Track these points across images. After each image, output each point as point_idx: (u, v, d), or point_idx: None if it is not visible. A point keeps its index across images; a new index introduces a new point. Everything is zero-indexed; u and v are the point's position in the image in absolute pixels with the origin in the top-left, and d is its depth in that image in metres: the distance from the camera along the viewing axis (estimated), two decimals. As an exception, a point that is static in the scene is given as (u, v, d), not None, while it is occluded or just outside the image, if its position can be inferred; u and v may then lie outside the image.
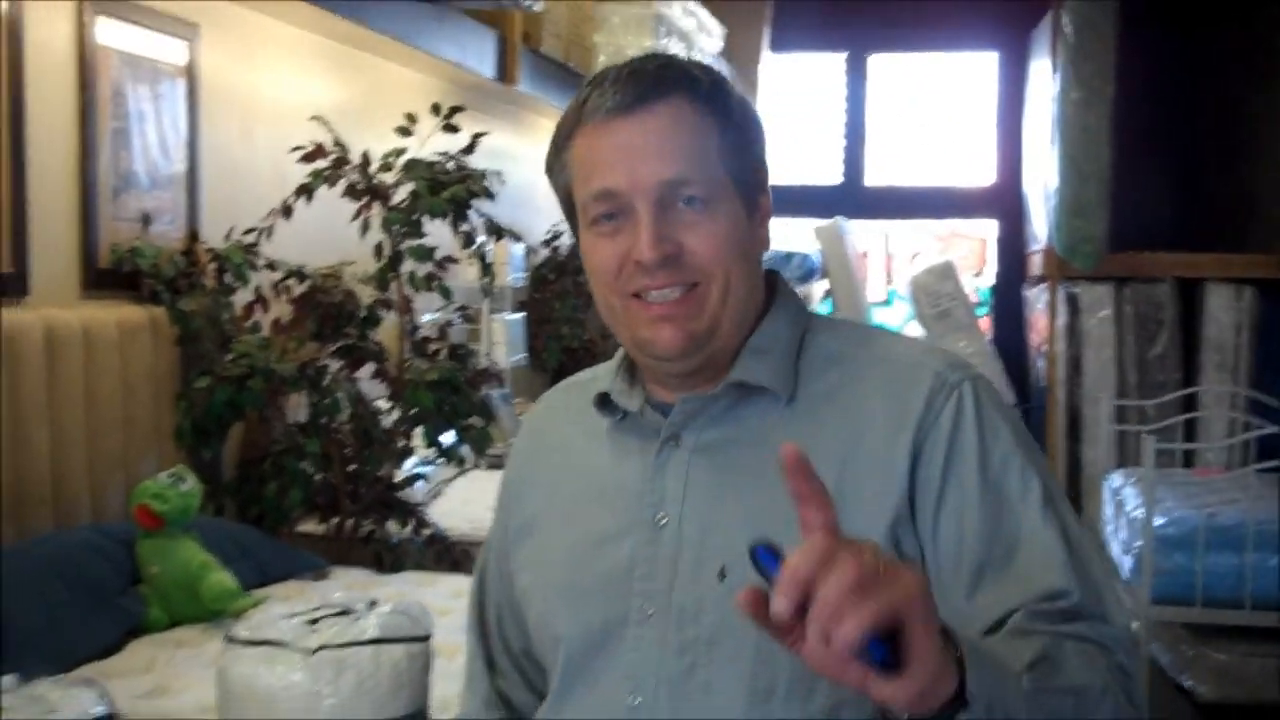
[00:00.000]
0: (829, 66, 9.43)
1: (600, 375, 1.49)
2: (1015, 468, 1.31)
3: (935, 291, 8.13)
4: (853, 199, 9.27)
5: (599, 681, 1.36)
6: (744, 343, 1.39)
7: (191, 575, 3.34)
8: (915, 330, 8.14)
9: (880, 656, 0.98)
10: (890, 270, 9.82)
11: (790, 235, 9.01)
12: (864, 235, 9.37)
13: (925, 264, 8.90)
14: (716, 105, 1.37)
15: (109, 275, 3.90)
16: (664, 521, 1.36)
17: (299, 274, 4.28)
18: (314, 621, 1.66)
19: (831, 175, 9.40)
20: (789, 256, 8.38)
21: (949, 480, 1.30)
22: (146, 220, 4.06)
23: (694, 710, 1.30)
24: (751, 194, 1.39)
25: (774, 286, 1.45)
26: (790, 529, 1.24)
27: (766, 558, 1.00)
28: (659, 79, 1.35)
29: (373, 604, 1.70)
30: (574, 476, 1.47)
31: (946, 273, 8.31)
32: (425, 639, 1.64)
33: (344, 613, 1.69)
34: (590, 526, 1.41)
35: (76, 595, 3.12)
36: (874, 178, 9.39)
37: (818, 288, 8.67)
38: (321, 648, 1.60)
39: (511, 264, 6.51)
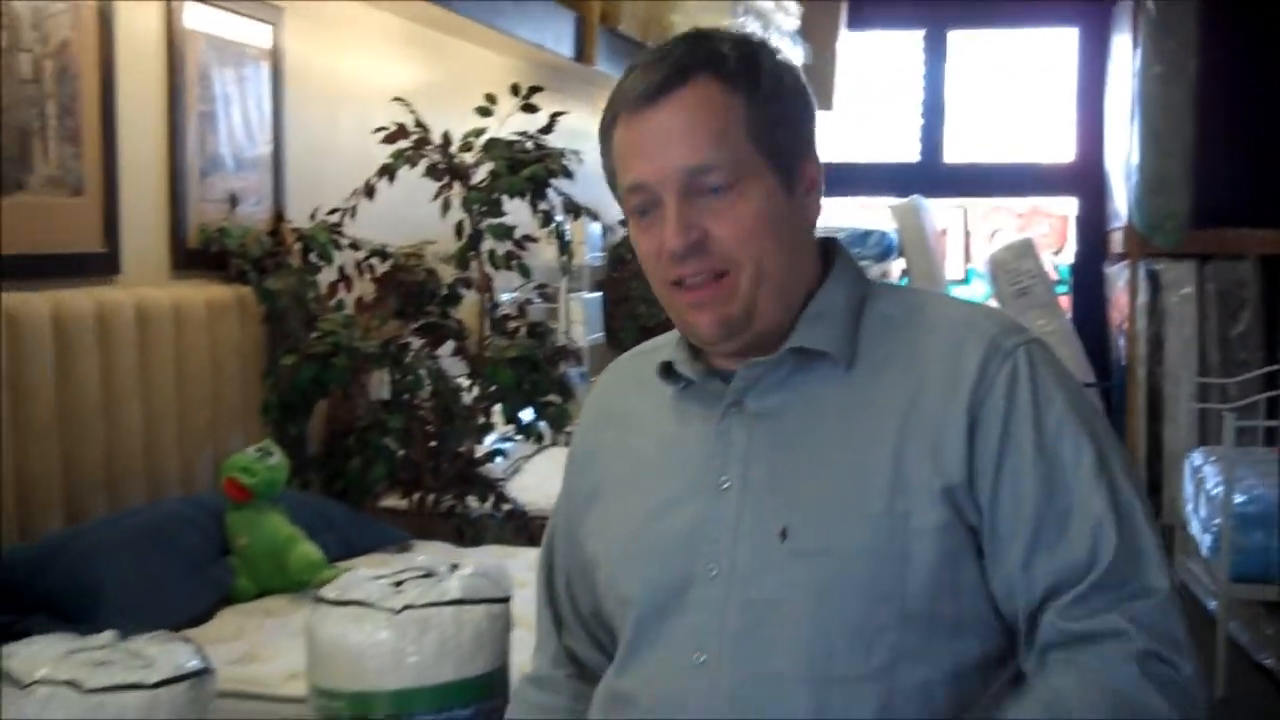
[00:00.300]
0: (907, 44, 9.39)
1: (663, 345, 1.53)
2: (1069, 435, 1.34)
3: (1014, 269, 8.09)
4: (931, 176, 9.23)
5: (666, 640, 1.39)
6: (799, 312, 1.41)
7: (279, 547, 3.42)
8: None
9: None
10: (969, 248, 9.77)
11: (868, 213, 9.00)
12: (943, 213, 9.34)
13: (1004, 241, 8.85)
14: (745, 81, 1.37)
15: (197, 255, 4.00)
16: (727, 485, 1.39)
17: (382, 253, 4.36)
18: (399, 584, 1.72)
19: (909, 153, 9.37)
20: (866, 234, 8.37)
21: (1006, 449, 1.33)
22: (233, 201, 4.15)
23: (756, 667, 1.34)
24: (788, 166, 1.40)
25: (831, 253, 1.47)
26: (846, 491, 1.32)
27: None
28: (682, 64, 1.36)
29: (454, 567, 1.76)
30: (639, 444, 1.50)
31: (1025, 250, 8.26)
32: (505, 601, 1.70)
33: (427, 575, 1.75)
34: (656, 492, 1.45)
35: (169, 564, 3.22)
36: (953, 155, 9.35)
37: (895, 266, 8.66)
38: (406, 608, 1.66)
39: (589, 243, 6.57)
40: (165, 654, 1.49)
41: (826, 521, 1.34)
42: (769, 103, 1.38)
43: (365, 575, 1.74)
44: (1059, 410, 1.35)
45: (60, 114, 3.42)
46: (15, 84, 3.27)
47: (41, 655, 1.47)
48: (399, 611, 1.65)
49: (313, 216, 4.34)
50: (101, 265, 3.62)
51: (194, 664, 1.48)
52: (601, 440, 1.56)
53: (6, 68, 3.23)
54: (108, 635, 1.52)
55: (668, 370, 1.47)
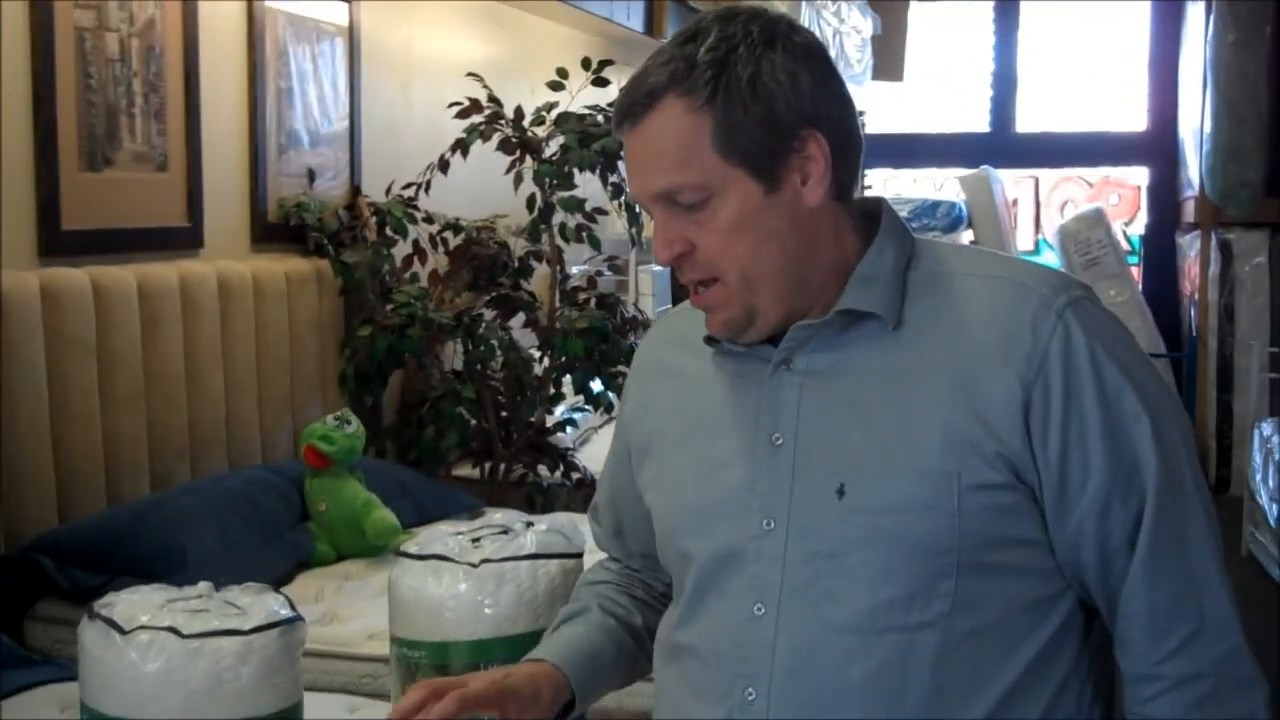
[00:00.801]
0: (977, 13, 9.35)
1: None
2: (1129, 393, 1.37)
3: (1085, 239, 8.06)
4: (1002, 147, 9.18)
5: (726, 593, 1.43)
6: (847, 274, 1.43)
7: (356, 512, 3.51)
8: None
9: None
10: (1039, 219, 9.72)
11: (938, 184, 8.98)
12: (1013, 184, 9.30)
13: (1075, 212, 8.81)
14: (714, 94, 1.37)
15: (276, 229, 4.10)
16: (779, 441, 1.43)
17: (455, 226, 4.44)
18: (477, 540, 1.79)
19: (980, 123, 9.33)
20: (935, 205, 8.37)
21: (1070, 415, 1.36)
22: (311, 176, 4.25)
23: (816, 616, 1.38)
24: (770, 165, 1.39)
25: (877, 215, 1.48)
26: (901, 449, 1.37)
27: None
28: (651, 87, 1.39)
29: (530, 524, 1.83)
30: (689, 401, 1.53)
31: (1096, 220, 8.22)
32: (579, 556, 1.77)
33: (504, 532, 1.82)
34: (709, 449, 1.48)
35: (251, 528, 3.32)
36: (1024, 125, 9.30)
37: (964, 237, 8.64)
38: (484, 561, 1.73)
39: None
40: (258, 603, 1.57)
41: (883, 479, 1.37)
42: (742, 108, 1.37)
43: (445, 531, 1.81)
44: (1117, 368, 1.38)
45: (146, 92, 3.52)
46: (103, 63, 3.37)
47: (142, 604, 1.55)
48: (477, 565, 1.72)
49: (388, 191, 4.43)
50: (185, 239, 3.73)
51: (285, 613, 1.56)
52: (652, 395, 1.60)
53: (95, 47, 3.33)
54: (203, 586, 1.60)
55: (713, 338, 1.50)
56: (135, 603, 1.55)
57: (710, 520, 1.46)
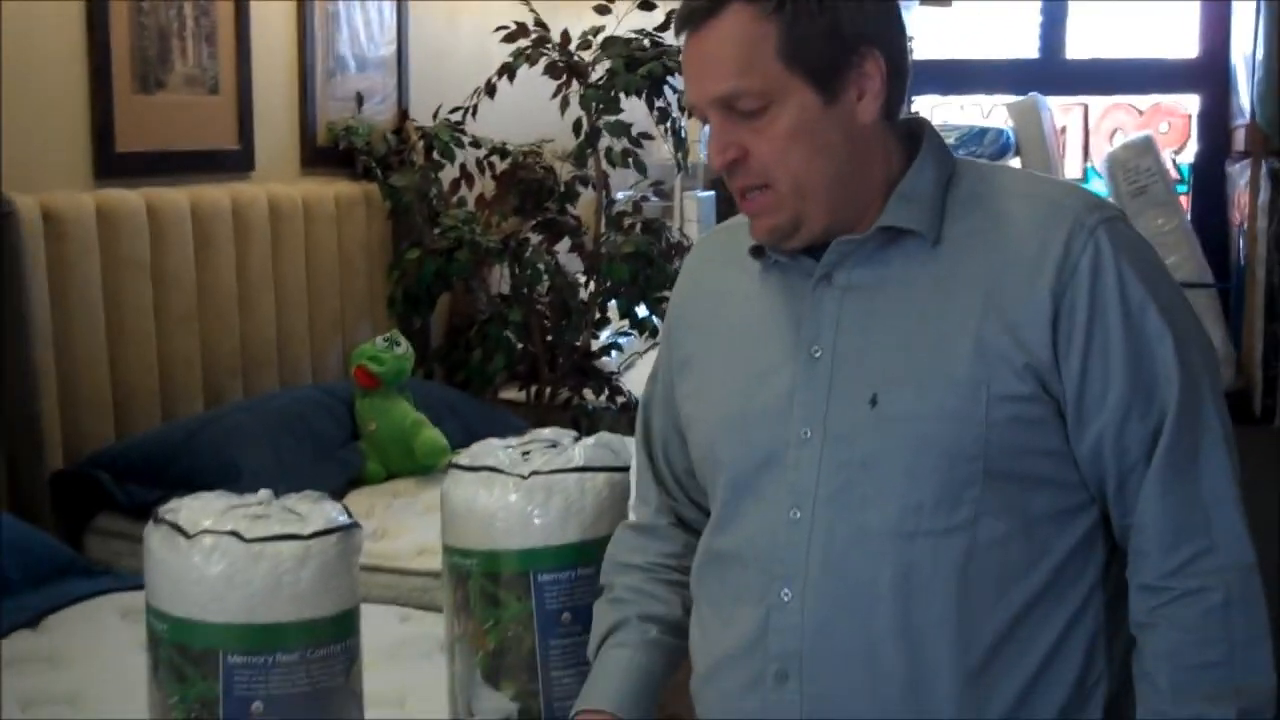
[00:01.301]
0: (1028, -63, 9.22)
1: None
2: (1153, 311, 1.41)
3: (1133, 167, 7.98)
4: (1050, 74, 9.08)
5: (763, 499, 1.48)
6: (889, 192, 1.47)
7: (405, 432, 3.58)
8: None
9: None
10: (1088, 147, 9.63)
11: (985, 111, 8.92)
12: (1061, 111, 9.21)
13: (1124, 139, 8.73)
14: (782, 1, 1.39)
15: (326, 153, 4.14)
16: (818, 353, 1.47)
17: (502, 151, 4.47)
18: (526, 453, 1.84)
19: (1028, 49, 9.23)
20: (983, 132, 8.30)
21: (1094, 327, 1.40)
22: (360, 100, 4.28)
23: (848, 520, 1.43)
24: (831, 77, 1.42)
25: (918, 135, 1.51)
26: (932, 359, 1.41)
27: None
28: None
29: (578, 438, 1.87)
30: (731, 314, 1.57)
31: (1145, 148, 8.13)
32: (625, 469, 1.81)
33: (553, 445, 1.86)
34: (750, 360, 1.53)
35: (303, 446, 3.39)
36: (1073, 51, 9.19)
37: (1012, 164, 8.58)
38: (534, 473, 1.77)
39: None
40: (316, 510, 1.61)
41: (913, 388, 1.41)
42: (809, 19, 1.40)
43: (496, 444, 1.85)
44: (1143, 286, 1.41)
45: (197, 15, 3.56)
46: (155, -15, 3.41)
47: (205, 509, 1.60)
48: (527, 477, 1.76)
49: (435, 115, 4.45)
50: (236, 161, 3.78)
51: (343, 519, 1.61)
52: (695, 310, 1.63)
53: (147, -30, 3.37)
54: (263, 493, 1.65)
55: (759, 249, 1.54)
56: (198, 509, 1.61)
57: (750, 428, 1.50)
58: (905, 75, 1.48)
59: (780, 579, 1.46)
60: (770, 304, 1.53)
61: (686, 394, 1.62)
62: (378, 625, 2.20)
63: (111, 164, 3.35)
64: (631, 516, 1.73)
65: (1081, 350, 1.40)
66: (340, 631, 1.60)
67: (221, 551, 1.54)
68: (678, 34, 1.47)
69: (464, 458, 1.84)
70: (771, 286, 1.54)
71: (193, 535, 1.56)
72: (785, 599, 1.45)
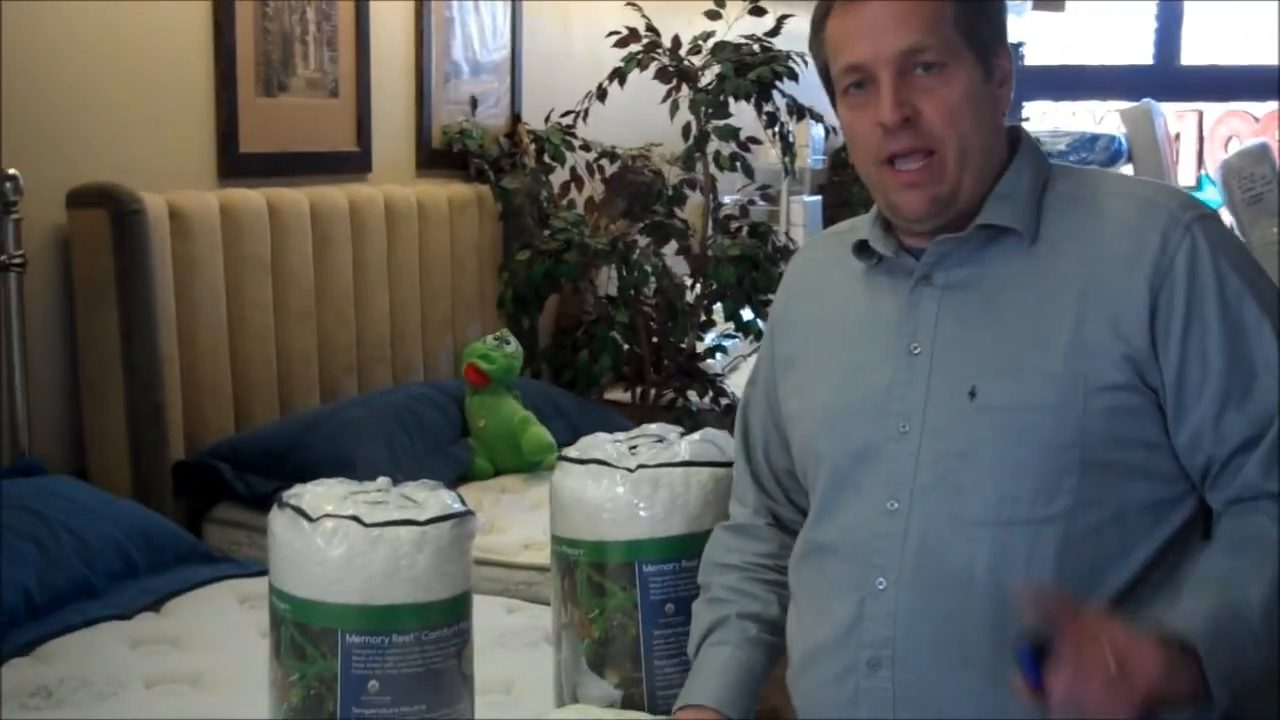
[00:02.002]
0: (1144, -58, 9.11)
1: (858, 225, 1.64)
2: (1250, 302, 1.44)
3: (1249, 175, 7.84)
4: (1165, 80, 8.96)
5: (861, 491, 1.53)
6: (988, 193, 1.52)
7: (514, 429, 3.64)
8: (1226, 217, 7.90)
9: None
10: (1202, 154, 9.49)
11: (1098, 118, 8.82)
12: (1175, 118, 9.08)
13: (1239, 147, 8.59)
14: None
15: (440, 155, 4.23)
16: (918, 350, 1.52)
17: (611, 154, 4.52)
18: (634, 447, 1.89)
19: (1143, 55, 9.12)
20: (1094, 139, 8.21)
21: (1191, 318, 1.43)
22: (473, 104, 4.37)
23: (945, 509, 1.47)
24: (988, 56, 1.51)
25: (1016, 140, 1.57)
26: (1027, 358, 1.45)
27: (1027, 661, 1.29)
28: None
29: (683, 433, 1.92)
30: (834, 314, 1.63)
31: (1261, 155, 7.99)
32: (729, 465, 1.84)
33: (659, 440, 1.91)
34: (851, 357, 1.58)
35: (415, 441, 3.47)
36: (1189, 57, 9.06)
37: (1125, 171, 8.49)
38: (640, 467, 1.82)
39: (812, 146, 6.62)
40: (433, 498, 1.68)
41: (1011, 380, 1.45)
42: None
43: (605, 438, 1.91)
44: (1239, 280, 1.44)
45: (319, 20, 3.66)
46: (279, -8, 3.51)
47: (327, 495, 1.67)
48: (634, 470, 1.81)
49: (547, 119, 4.53)
50: (354, 163, 3.88)
51: (458, 507, 1.67)
52: (798, 311, 1.70)
53: (271, -23, 3.47)
54: (382, 480, 1.71)
55: (862, 248, 1.59)
56: (321, 494, 1.68)
57: (849, 421, 1.55)
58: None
59: (876, 568, 1.49)
60: (871, 303, 1.59)
61: (788, 391, 1.67)
62: (485, 616, 2.25)
63: (235, 164, 3.46)
64: (731, 517, 1.78)
65: (1180, 341, 1.43)
66: (453, 614, 1.66)
67: (342, 535, 1.61)
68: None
69: (573, 451, 1.89)
70: (872, 286, 1.59)
71: (315, 519, 1.63)
72: (880, 587, 1.48)
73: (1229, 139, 9.38)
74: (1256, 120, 9.43)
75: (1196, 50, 9.04)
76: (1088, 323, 1.44)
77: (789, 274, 1.79)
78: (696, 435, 1.89)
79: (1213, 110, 9.46)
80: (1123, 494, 1.45)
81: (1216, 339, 1.43)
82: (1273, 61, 8.94)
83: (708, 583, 1.75)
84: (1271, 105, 9.31)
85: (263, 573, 2.00)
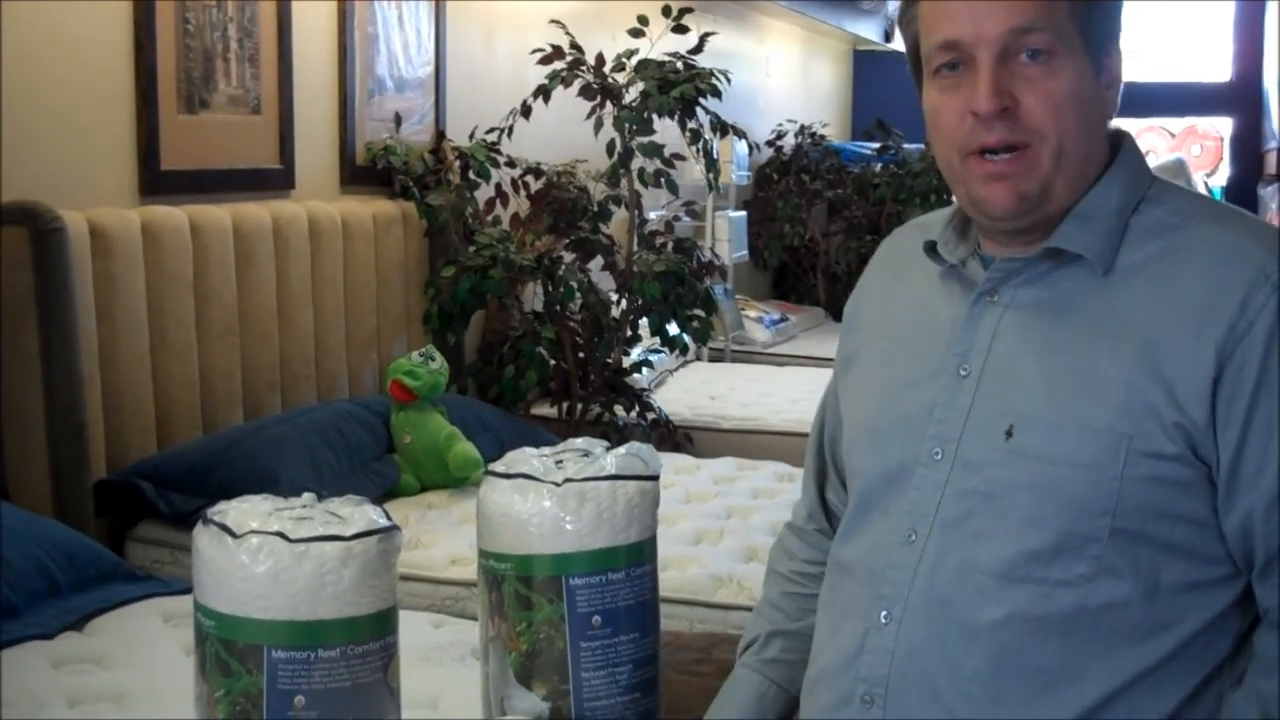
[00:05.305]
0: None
1: (937, 221, 1.52)
2: None
3: (1164, 191, 8.01)
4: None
5: (886, 514, 1.45)
6: (1078, 202, 1.38)
7: (440, 445, 3.64)
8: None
9: None
10: (1119, 170, 9.66)
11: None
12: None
13: (1156, 162, 8.76)
14: None
15: (364, 172, 4.23)
16: (965, 373, 1.41)
17: (536, 171, 4.54)
18: (560, 461, 1.89)
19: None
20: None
21: (1260, 395, 1.28)
22: (398, 120, 4.37)
23: (961, 553, 1.37)
24: (1100, 53, 1.37)
25: (1117, 149, 1.43)
26: (1075, 400, 1.33)
27: None
28: None
29: (609, 448, 1.93)
30: (897, 316, 1.53)
31: (1177, 171, 8.16)
32: (654, 478, 1.86)
33: (585, 454, 1.92)
34: (902, 368, 1.48)
35: (340, 458, 3.46)
36: (1105, 75, 9.23)
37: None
38: (567, 481, 1.83)
39: (736, 162, 6.67)
40: (358, 513, 1.68)
41: (1050, 427, 1.33)
42: None
43: (531, 453, 1.91)
44: None
45: (241, 37, 3.65)
46: (200, 8, 3.50)
47: (251, 511, 1.67)
48: (560, 484, 1.82)
49: (472, 136, 4.54)
50: (277, 180, 3.87)
51: (383, 522, 1.67)
52: (871, 306, 1.60)
53: (193, -6, 3.46)
54: (307, 496, 1.71)
55: (931, 249, 1.48)
56: (245, 511, 1.67)
57: (886, 439, 1.47)
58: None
59: (884, 599, 1.42)
60: (934, 312, 1.48)
61: (844, 392, 1.61)
62: (412, 631, 2.26)
63: (156, 182, 3.43)
64: (792, 513, 1.79)
65: (1243, 417, 1.29)
66: (379, 629, 1.66)
67: (267, 551, 1.60)
68: None
69: (500, 466, 1.90)
70: (941, 291, 1.48)
71: (240, 535, 1.62)
72: (884, 621, 1.42)
73: (1147, 154, 9.53)
74: (1173, 136, 9.63)
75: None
76: (1143, 378, 1.30)
77: (870, 264, 1.66)
78: (622, 449, 1.89)
79: (1130, 126, 9.61)
80: (1158, 570, 1.32)
81: None
82: (1189, 79, 9.13)
83: (766, 587, 1.75)
84: (1188, 121, 9.51)
85: (186, 591, 1.99)
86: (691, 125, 4.42)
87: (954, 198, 1.48)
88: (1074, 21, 1.34)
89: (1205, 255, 1.33)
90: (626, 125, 4.35)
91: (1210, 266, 1.32)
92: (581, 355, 4.56)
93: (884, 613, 1.42)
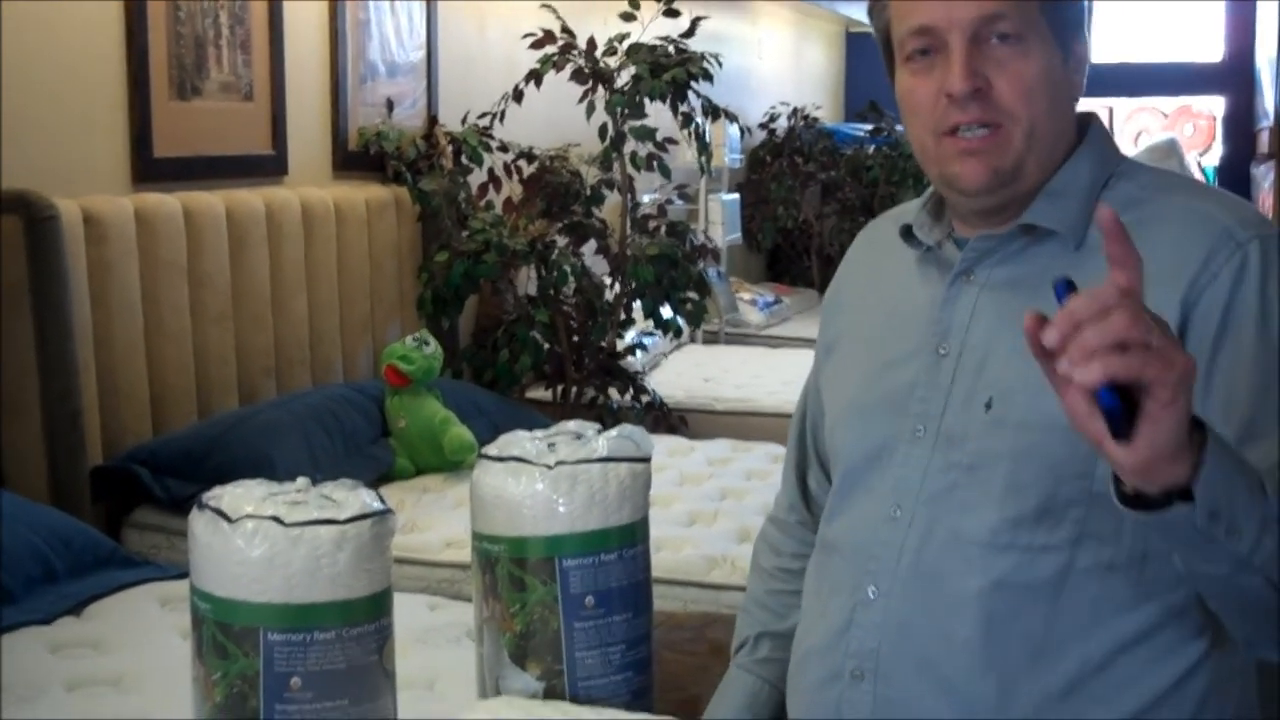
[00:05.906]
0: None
1: (911, 209, 1.55)
2: None
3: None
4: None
5: (870, 492, 1.47)
6: (1047, 182, 1.42)
7: (434, 429, 3.66)
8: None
9: (1108, 404, 1.04)
10: (1112, 150, 9.67)
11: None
12: (1086, 114, 9.24)
13: (1149, 142, 8.77)
14: None
15: (357, 157, 4.23)
16: (944, 352, 1.44)
17: (529, 155, 4.55)
18: (552, 444, 1.91)
19: (1053, 54, 9.27)
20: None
21: (1224, 338, 1.31)
22: (390, 106, 4.37)
23: (947, 525, 1.40)
24: (1066, 38, 1.41)
25: (1086, 129, 1.47)
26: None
27: (1060, 291, 1.09)
28: None
29: (601, 430, 1.95)
30: (876, 302, 1.56)
31: (1170, 150, 8.17)
32: (646, 460, 1.88)
33: (578, 437, 1.94)
34: (882, 350, 1.51)
35: (335, 442, 3.47)
36: (1099, 54, 9.23)
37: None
38: (559, 463, 1.85)
39: (728, 145, 6.68)
40: (352, 497, 1.70)
41: (1029, 396, 1.34)
42: None
43: (524, 436, 1.93)
44: None
45: (232, 24, 3.65)
46: (192, -4, 3.50)
47: (247, 496, 1.69)
48: (553, 467, 1.84)
49: (464, 120, 4.54)
50: (270, 166, 3.87)
51: (377, 505, 1.69)
52: (846, 296, 1.64)
53: (184, -20, 3.46)
54: (301, 481, 1.73)
55: (908, 233, 1.51)
56: (240, 495, 1.69)
57: (869, 418, 1.50)
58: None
59: (870, 574, 1.44)
60: (913, 295, 1.51)
61: (826, 378, 1.63)
62: (407, 613, 2.27)
63: (149, 169, 3.44)
64: (773, 505, 1.81)
65: (1207, 362, 1.30)
66: (374, 612, 1.68)
67: (263, 535, 1.62)
68: None
69: (493, 448, 1.92)
70: (918, 276, 1.52)
71: (235, 520, 1.64)
72: (871, 596, 1.44)
73: (1139, 134, 9.57)
74: (1165, 116, 9.63)
75: (1107, 47, 9.22)
76: None
77: (848, 254, 1.70)
78: (614, 431, 1.92)
79: (1123, 106, 9.64)
80: (1145, 536, 1.32)
81: (1249, 363, 1.30)
82: (1180, 59, 9.13)
83: (751, 582, 1.77)
84: (1180, 101, 9.51)
85: (182, 575, 2.01)
86: (683, 109, 4.43)
87: (928, 181, 1.51)
88: (1041, 12, 1.39)
89: (1174, 225, 1.37)
90: (618, 109, 4.35)
91: (1178, 235, 1.35)
92: (575, 339, 4.57)
93: (871, 588, 1.44)
